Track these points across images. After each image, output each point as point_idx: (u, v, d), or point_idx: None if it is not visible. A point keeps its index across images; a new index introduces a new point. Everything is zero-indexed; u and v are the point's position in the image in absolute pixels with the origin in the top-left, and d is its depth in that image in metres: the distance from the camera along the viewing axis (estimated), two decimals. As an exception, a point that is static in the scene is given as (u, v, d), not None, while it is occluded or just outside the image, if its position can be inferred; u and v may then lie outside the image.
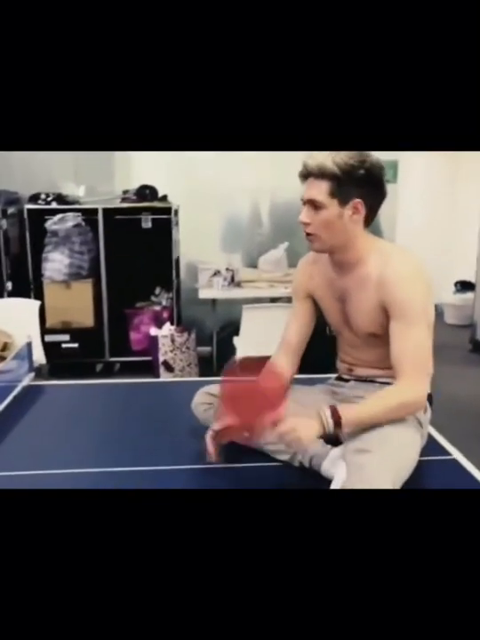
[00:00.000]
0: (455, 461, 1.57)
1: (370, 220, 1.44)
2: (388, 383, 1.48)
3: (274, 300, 4.21)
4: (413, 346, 1.37)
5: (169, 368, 3.93)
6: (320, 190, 1.37)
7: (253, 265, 4.53)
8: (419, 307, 1.38)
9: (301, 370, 1.69)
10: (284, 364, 1.63)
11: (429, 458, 1.52)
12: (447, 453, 1.62)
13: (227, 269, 4.29)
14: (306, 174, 1.41)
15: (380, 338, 1.46)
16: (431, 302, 1.43)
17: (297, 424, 1.30)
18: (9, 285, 3.96)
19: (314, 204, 1.39)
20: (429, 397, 1.54)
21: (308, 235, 1.44)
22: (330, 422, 1.32)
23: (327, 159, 1.35)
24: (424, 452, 1.49)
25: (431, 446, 1.58)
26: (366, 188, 1.38)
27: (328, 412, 1.32)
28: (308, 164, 1.39)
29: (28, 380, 2.23)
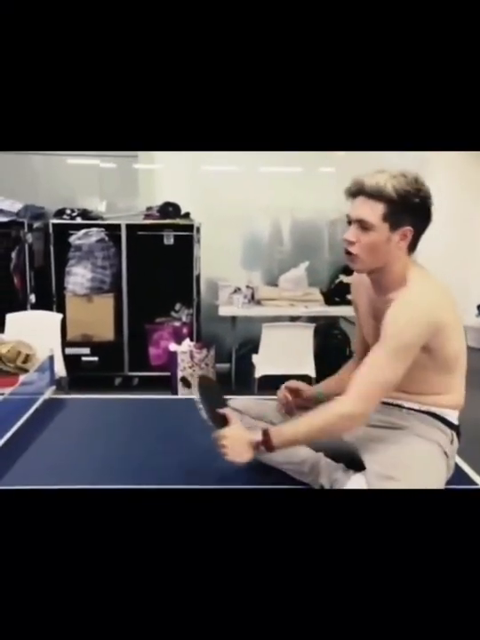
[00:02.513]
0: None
1: (414, 246, 1.41)
2: (413, 409, 1.46)
3: (293, 318, 4.20)
4: (369, 365, 1.35)
5: (187, 384, 3.93)
6: (373, 211, 1.32)
7: (274, 283, 4.54)
8: (395, 330, 1.32)
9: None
10: (350, 367, 1.69)
11: (455, 486, 1.48)
12: (473, 482, 1.57)
13: (247, 287, 4.30)
14: (356, 192, 1.35)
15: None
16: (415, 340, 1.34)
17: (229, 434, 1.37)
18: (32, 298, 4.02)
19: (363, 225, 1.35)
20: (456, 429, 1.51)
21: (349, 254, 1.39)
22: (261, 447, 1.36)
23: (387, 181, 1.30)
24: (450, 481, 1.45)
25: (456, 476, 1.54)
26: (418, 217, 1.36)
27: (259, 436, 1.36)
28: (364, 182, 1.33)
29: (49, 393, 2.24)
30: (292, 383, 1.68)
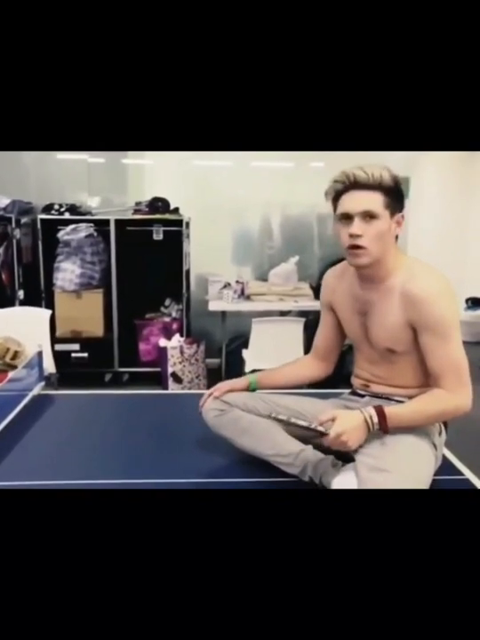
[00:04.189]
0: (468, 481, 1.55)
1: (397, 235, 1.46)
2: (402, 402, 1.47)
3: (283, 313, 4.21)
4: (452, 360, 1.38)
5: (177, 379, 3.93)
6: (375, 201, 1.35)
7: (263, 278, 4.54)
8: (450, 321, 1.38)
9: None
10: (304, 362, 1.73)
11: (442, 477, 1.50)
12: (459, 473, 1.59)
13: (237, 282, 4.30)
14: (349, 187, 1.36)
15: (398, 354, 1.45)
16: (458, 315, 1.44)
17: (342, 430, 1.33)
18: (21, 294, 3.99)
19: (370, 215, 1.35)
20: (444, 422, 1.53)
21: (355, 248, 1.37)
22: (375, 426, 1.35)
23: (382, 172, 1.35)
24: (436, 471, 1.47)
25: (443, 466, 1.56)
26: (402, 203, 1.42)
27: (374, 414, 1.35)
28: (359, 175, 1.34)
29: (38, 389, 2.23)
30: (224, 388, 1.62)
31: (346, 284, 1.55)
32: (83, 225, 4.03)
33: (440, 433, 1.50)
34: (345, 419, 1.35)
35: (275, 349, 3.57)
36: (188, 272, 4.28)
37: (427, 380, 1.46)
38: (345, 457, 1.47)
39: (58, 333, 3.95)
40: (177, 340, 4.01)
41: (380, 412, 1.35)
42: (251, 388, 1.67)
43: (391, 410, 1.37)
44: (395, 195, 1.38)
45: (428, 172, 5.18)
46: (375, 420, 1.35)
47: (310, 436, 1.48)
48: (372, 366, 1.55)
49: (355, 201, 1.36)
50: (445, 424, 1.54)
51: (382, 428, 1.36)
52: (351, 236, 1.37)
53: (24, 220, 4.06)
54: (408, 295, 1.38)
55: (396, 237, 1.46)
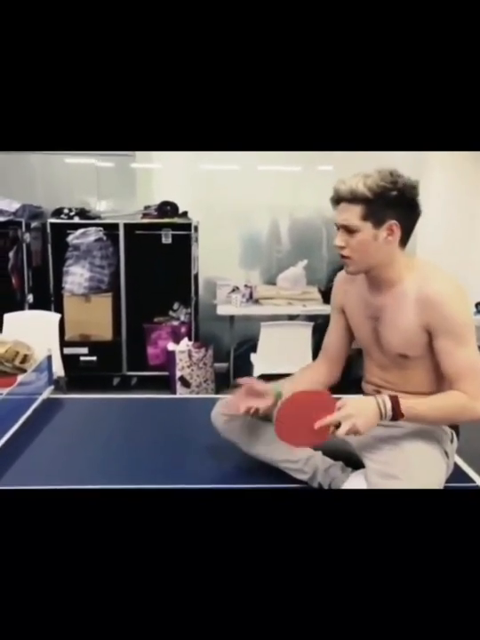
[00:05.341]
0: (479, 489, 1.53)
1: (406, 239, 1.42)
2: None
3: (292, 317, 4.20)
4: (471, 363, 1.36)
5: (186, 384, 3.93)
6: (353, 214, 1.36)
7: (272, 282, 4.53)
8: (467, 325, 1.37)
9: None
10: (318, 368, 1.68)
11: (453, 485, 1.48)
12: (471, 480, 1.58)
13: (245, 286, 4.30)
14: (337, 199, 1.39)
15: (410, 360, 1.44)
16: (473, 318, 1.42)
17: (354, 412, 1.27)
18: (30, 298, 4.01)
19: (347, 229, 1.38)
20: (456, 428, 1.51)
21: (342, 257, 1.43)
22: (389, 412, 1.29)
23: (358, 183, 1.33)
24: (448, 479, 1.45)
25: (454, 473, 1.54)
26: (400, 209, 1.37)
27: (388, 402, 1.30)
28: (339, 189, 1.37)
29: (47, 393, 2.24)
30: (251, 384, 1.51)
31: (357, 287, 1.54)
32: (92, 229, 4.05)
33: (452, 440, 1.49)
34: (355, 402, 1.32)
35: (283, 353, 3.56)
36: (196, 276, 4.28)
37: (439, 385, 1.45)
38: (354, 463, 1.46)
39: (67, 337, 3.97)
40: (185, 343, 4.01)
41: (395, 400, 1.31)
42: (277, 397, 1.58)
43: (407, 401, 1.32)
44: (379, 204, 1.34)
45: (437, 173, 5.15)
46: (388, 405, 1.30)
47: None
48: (382, 372, 1.54)
49: (338, 214, 1.40)
50: (457, 431, 1.52)
51: (396, 415, 1.30)
52: (335, 246, 1.42)
53: (34, 224, 4.08)
54: (424, 298, 1.37)
55: (408, 238, 1.42)
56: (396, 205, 1.35)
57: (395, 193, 1.34)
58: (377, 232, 1.37)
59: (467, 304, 1.39)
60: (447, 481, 1.44)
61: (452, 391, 1.37)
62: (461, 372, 1.35)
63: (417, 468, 1.34)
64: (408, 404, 1.32)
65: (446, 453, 1.45)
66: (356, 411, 1.28)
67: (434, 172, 5.08)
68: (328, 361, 1.69)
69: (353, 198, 1.34)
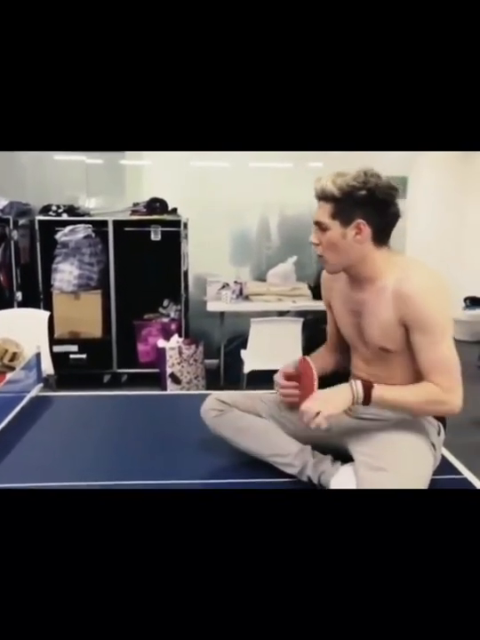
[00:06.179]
0: (465, 480, 1.55)
1: (381, 238, 1.43)
2: None
3: (282, 313, 4.21)
4: (442, 359, 1.38)
5: (176, 380, 3.93)
6: (324, 212, 1.40)
7: (262, 278, 4.54)
8: (441, 320, 1.38)
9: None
10: (323, 355, 1.71)
11: (440, 477, 1.50)
12: (458, 473, 1.60)
13: (235, 282, 4.30)
14: (317, 198, 1.43)
15: (393, 353, 1.45)
16: (450, 314, 1.43)
17: (322, 402, 1.32)
18: (19, 295, 3.99)
19: (320, 226, 1.42)
20: (443, 421, 1.53)
21: (318, 256, 1.48)
22: (360, 395, 1.34)
23: (328, 182, 1.37)
24: (435, 471, 1.47)
25: (442, 465, 1.56)
26: (369, 208, 1.38)
27: (360, 386, 1.35)
28: (315, 187, 1.41)
29: (36, 390, 2.23)
30: (286, 371, 1.56)
31: (341, 284, 1.56)
32: (81, 226, 4.03)
33: (439, 433, 1.51)
34: (324, 393, 1.37)
35: (273, 349, 3.57)
36: (186, 273, 4.28)
37: (423, 379, 1.46)
38: (343, 457, 1.47)
39: (56, 335, 3.95)
40: (175, 340, 4.01)
41: (367, 385, 1.36)
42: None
43: (379, 387, 1.37)
44: (348, 203, 1.36)
45: (426, 171, 5.18)
46: (360, 389, 1.35)
47: (307, 438, 1.49)
48: (367, 366, 1.56)
49: (315, 211, 1.44)
50: (444, 424, 1.54)
51: (366, 396, 1.34)
52: (311, 243, 1.46)
53: (22, 221, 4.05)
54: (399, 293, 1.39)
55: (383, 237, 1.43)
56: (364, 205, 1.37)
57: (363, 192, 1.35)
58: (345, 230, 1.39)
59: (443, 300, 1.39)
60: (434, 473, 1.45)
61: (425, 382, 1.40)
62: (434, 366, 1.38)
63: (405, 460, 1.35)
64: (379, 391, 1.36)
65: (433, 445, 1.47)
66: (322, 403, 1.33)
67: (423, 170, 5.11)
68: (330, 349, 1.73)
69: (324, 197, 1.39)
